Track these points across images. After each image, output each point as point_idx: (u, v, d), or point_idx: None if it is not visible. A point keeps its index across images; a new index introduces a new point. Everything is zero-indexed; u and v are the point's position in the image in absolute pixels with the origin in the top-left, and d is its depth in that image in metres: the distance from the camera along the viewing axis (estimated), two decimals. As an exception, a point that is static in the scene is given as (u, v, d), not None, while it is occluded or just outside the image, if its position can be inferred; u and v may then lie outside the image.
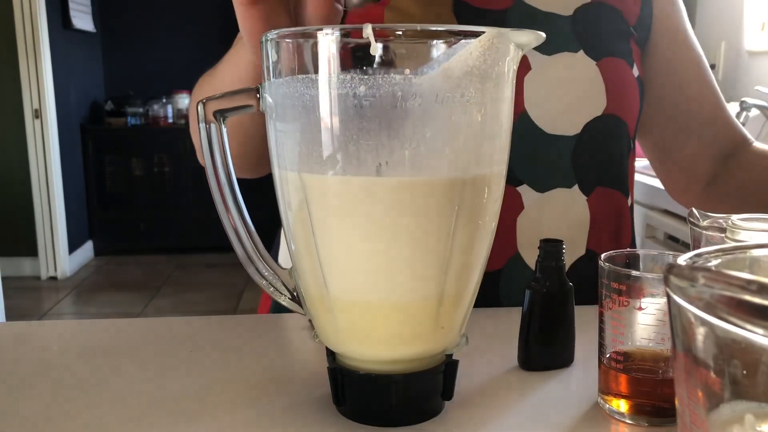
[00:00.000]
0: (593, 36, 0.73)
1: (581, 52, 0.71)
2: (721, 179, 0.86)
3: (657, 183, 1.61)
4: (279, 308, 0.79)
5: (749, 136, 0.88)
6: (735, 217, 0.48)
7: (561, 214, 0.72)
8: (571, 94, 0.71)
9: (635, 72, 0.76)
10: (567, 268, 0.72)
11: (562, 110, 0.71)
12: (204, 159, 0.46)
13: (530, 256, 0.71)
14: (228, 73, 0.66)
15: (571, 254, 0.73)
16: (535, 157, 0.71)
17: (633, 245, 0.80)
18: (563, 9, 0.72)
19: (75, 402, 0.49)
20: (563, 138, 0.71)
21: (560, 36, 0.71)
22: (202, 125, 0.45)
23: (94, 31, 4.62)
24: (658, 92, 0.82)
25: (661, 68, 0.82)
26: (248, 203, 0.47)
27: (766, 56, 2.23)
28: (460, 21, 0.69)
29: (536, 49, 0.70)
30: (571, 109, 0.71)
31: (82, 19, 4.41)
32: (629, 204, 0.79)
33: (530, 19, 0.71)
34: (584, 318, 0.66)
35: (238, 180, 0.48)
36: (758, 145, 0.87)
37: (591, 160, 0.73)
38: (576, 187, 0.72)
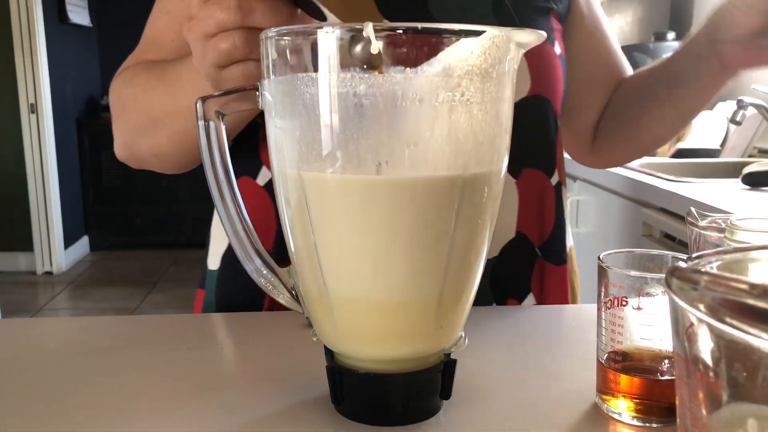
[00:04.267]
0: (514, 16, 0.72)
1: None
2: (599, 131, 0.90)
3: (654, 181, 1.61)
4: (207, 308, 0.78)
5: (629, 71, 0.90)
6: (734, 218, 0.48)
7: None
8: None
9: (557, 50, 0.75)
10: (498, 252, 0.71)
11: None
12: (202, 154, 0.45)
13: None
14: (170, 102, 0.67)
15: (502, 237, 0.72)
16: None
17: (558, 226, 0.79)
18: None
19: (70, 399, 0.48)
20: None
21: (481, 16, 0.71)
22: (201, 123, 0.44)
23: (90, 25, 4.60)
24: (575, 65, 0.83)
25: (577, 43, 0.82)
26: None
27: (763, 55, 2.23)
28: (384, 13, 0.68)
29: None
30: None
31: (78, 14, 4.39)
32: (554, 183, 0.78)
33: (453, 1, 0.70)
34: (583, 318, 0.66)
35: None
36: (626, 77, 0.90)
37: (519, 142, 0.72)
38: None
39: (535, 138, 0.75)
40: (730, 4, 0.69)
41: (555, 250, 0.77)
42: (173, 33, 0.75)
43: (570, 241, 0.83)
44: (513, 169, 0.72)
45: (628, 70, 0.90)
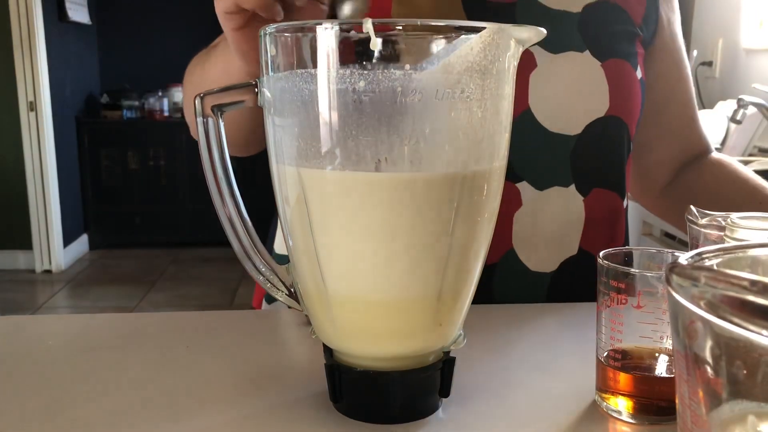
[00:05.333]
0: (600, 36, 0.72)
1: (587, 52, 0.71)
2: (673, 185, 0.90)
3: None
4: (272, 299, 0.79)
5: (711, 146, 0.91)
6: (734, 216, 0.48)
7: (556, 213, 0.72)
8: (574, 93, 0.71)
9: (638, 74, 0.76)
10: (556, 266, 0.72)
11: (565, 109, 0.70)
12: (200, 151, 0.45)
13: (524, 252, 0.71)
14: (220, 74, 0.67)
15: (562, 253, 0.73)
16: (536, 155, 0.70)
17: (626, 246, 0.80)
18: (572, 6, 0.72)
19: (69, 396, 0.48)
20: (564, 137, 0.71)
21: (567, 34, 0.71)
22: (200, 119, 0.44)
23: (89, 23, 4.60)
24: (650, 96, 0.83)
25: (656, 73, 0.83)
26: (244, 197, 0.47)
27: (764, 54, 2.24)
28: (470, 15, 0.69)
29: (542, 46, 0.70)
30: (573, 109, 0.71)
31: (78, 12, 4.39)
32: (624, 206, 0.79)
33: (539, 15, 0.71)
34: (582, 316, 0.66)
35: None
36: (716, 155, 0.90)
37: (590, 160, 0.73)
38: (573, 186, 0.72)
39: (609, 158, 0.75)
40: None
41: None
42: None
43: None
44: (582, 188, 0.73)
45: (710, 141, 0.91)
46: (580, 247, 0.73)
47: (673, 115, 0.87)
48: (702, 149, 0.89)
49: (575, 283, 0.74)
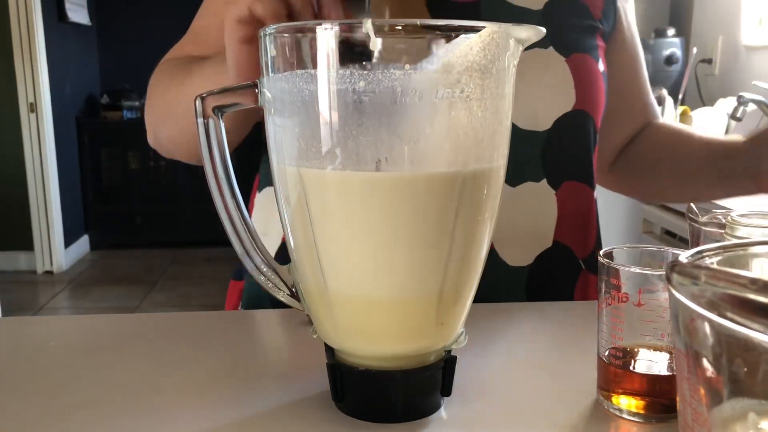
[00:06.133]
0: (563, 31, 0.73)
1: (551, 48, 0.72)
2: (619, 160, 0.92)
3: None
4: (248, 305, 0.79)
5: (657, 114, 0.93)
6: (735, 214, 0.48)
7: (531, 208, 0.73)
8: (542, 90, 0.72)
9: (601, 67, 0.77)
10: (532, 260, 0.72)
11: (534, 106, 0.72)
12: (202, 152, 0.45)
13: (503, 248, 0.72)
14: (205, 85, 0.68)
15: (538, 246, 0.73)
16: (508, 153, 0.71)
17: (598, 237, 0.82)
18: (534, 3, 0.73)
19: (71, 397, 0.48)
20: (535, 133, 0.72)
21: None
22: (200, 120, 0.44)
23: (89, 24, 4.60)
24: (610, 85, 0.84)
25: (616, 64, 0.84)
26: (244, 197, 0.47)
27: (764, 51, 2.23)
28: (434, 15, 0.69)
29: None
30: (542, 105, 0.72)
31: (78, 12, 4.39)
32: (594, 196, 0.80)
33: (502, 12, 0.71)
34: (583, 314, 0.66)
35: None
36: (659, 120, 0.92)
37: (560, 155, 0.74)
38: (544, 181, 0.73)
39: (577, 151, 0.76)
40: None
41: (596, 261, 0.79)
42: (217, 33, 0.75)
43: None
44: (553, 182, 0.74)
45: (657, 112, 0.93)
46: (554, 240, 0.74)
47: (631, 103, 0.89)
48: (649, 119, 0.92)
49: (552, 274, 0.75)
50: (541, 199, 0.73)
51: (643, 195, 1.02)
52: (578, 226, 0.77)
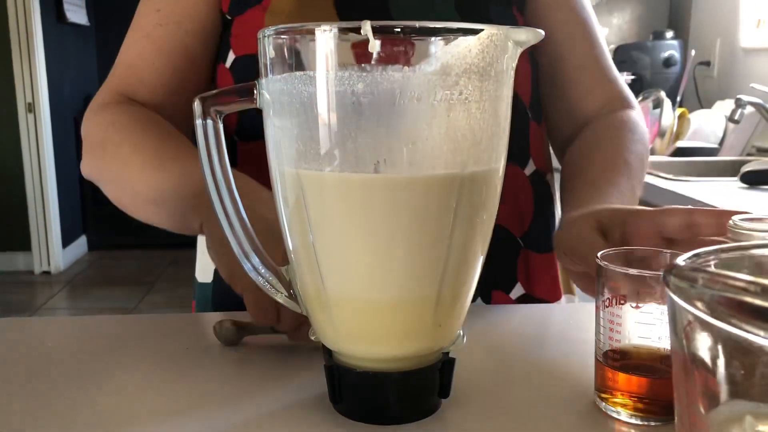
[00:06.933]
0: (477, 11, 0.71)
1: None
2: (569, 144, 0.81)
3: (652, 179, 1.61)
4: (202, 309, 0.79)
5: (629, 100, 0.82)
6: (737, 218, 0.48)
7: None
8: None
9: None
10: None
11: None
12: (200, 153, 0.45)
13: None
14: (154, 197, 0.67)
15: None
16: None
17: (540, 213, 0.77)
18: None
19: (68, 398, 0.48)
20: None
21: (446, 16, 0.70)
22: (199, 121, 0.44)
23: (88, 24, 4.60)
24: (548, 49, 0.78)
25: (548, 27, 0.76)
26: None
27: (762, 53, 2.24)
28: (342, 14, 0.68)
29: None
30: None
31: (76, 13, 4.38)
32: (529, 173, 0.76)
33: (414, 3, 0.70)
34: (581, 316, 0.66)
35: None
36: (630, 113, 0.80)
37: None
38: None
39: None
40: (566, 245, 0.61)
41: (538, 238, 0.77)
42: (154, 57, 0.73)
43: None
44: None
45: (625, 92, 0.82)
46: (496, 223, 0.72)
47: (580, 61, 0.80)
48: (616, 104, 0.80)
49: (491, 254, 0.73)
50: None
51: None
52: (511, 206, 0.74)
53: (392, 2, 0.70)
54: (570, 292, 0.82)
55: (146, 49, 0.73)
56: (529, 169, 0.77)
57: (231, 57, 0.72)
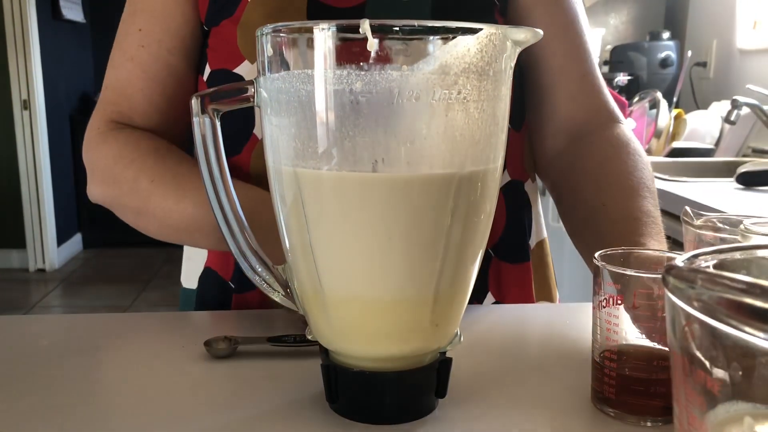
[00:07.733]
0: (456, 17, 0.69)
1: None
2: (558, 159, 0.77)
3: (648, 180, 1.61)
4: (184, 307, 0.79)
5: (616, 114, 0.77)
6: (748, 222, 0.48)
7: None
8: None
9: None
10: None
11: None
12: (197, 151, 0.45)
13: None
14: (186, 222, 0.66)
15: None
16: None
17: (512, 224, 0.76)
18: None
19: (63, 396, 0.48)
20: None
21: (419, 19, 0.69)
22: (197, 119, 0.44)
23: (83, 21, 4.59)
24: (532, 50, 0.74)
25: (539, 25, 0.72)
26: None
27: (758, 55, 2.25)
28: (315, 17, 0.67)
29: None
30: None
31: (72, 10, 4.37)
32: (504, 183, 0.74)
33: (389, 9, 0.68)
34: (579, 316, 0.66)
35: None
36: (621, 128, 0.76)
37: None
38: None
39: None
40: None
41: (509, 249, 0.76)
42: (141, 82, 0.73)
43: (542, 235, 0.82)
44: None
45: (610, 110, 0.77)
46: None
47: (563, 66, 0.76)
48: (603, 116, 0.76)
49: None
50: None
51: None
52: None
53: (367, 13, 0.69)
54: (546, 299, 0.81)
55: (132, 74, 0.73)
56: (504, 179, 0.74)
57: (207, 70, 0.72)
